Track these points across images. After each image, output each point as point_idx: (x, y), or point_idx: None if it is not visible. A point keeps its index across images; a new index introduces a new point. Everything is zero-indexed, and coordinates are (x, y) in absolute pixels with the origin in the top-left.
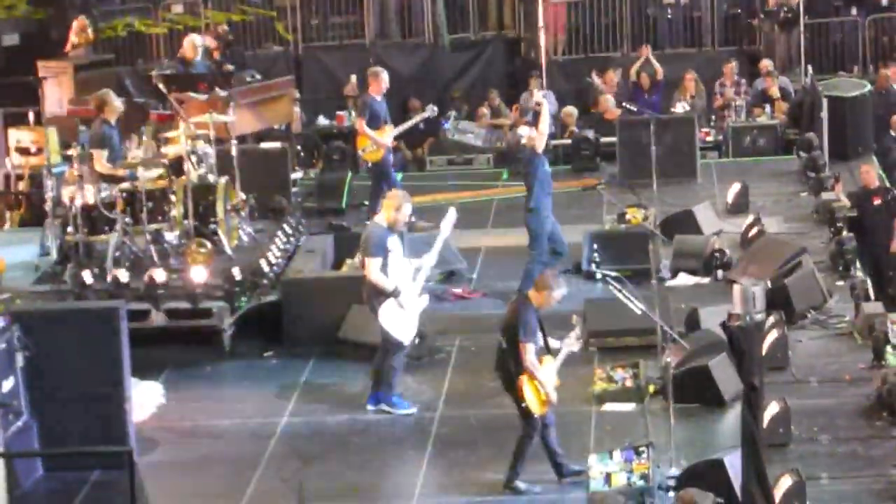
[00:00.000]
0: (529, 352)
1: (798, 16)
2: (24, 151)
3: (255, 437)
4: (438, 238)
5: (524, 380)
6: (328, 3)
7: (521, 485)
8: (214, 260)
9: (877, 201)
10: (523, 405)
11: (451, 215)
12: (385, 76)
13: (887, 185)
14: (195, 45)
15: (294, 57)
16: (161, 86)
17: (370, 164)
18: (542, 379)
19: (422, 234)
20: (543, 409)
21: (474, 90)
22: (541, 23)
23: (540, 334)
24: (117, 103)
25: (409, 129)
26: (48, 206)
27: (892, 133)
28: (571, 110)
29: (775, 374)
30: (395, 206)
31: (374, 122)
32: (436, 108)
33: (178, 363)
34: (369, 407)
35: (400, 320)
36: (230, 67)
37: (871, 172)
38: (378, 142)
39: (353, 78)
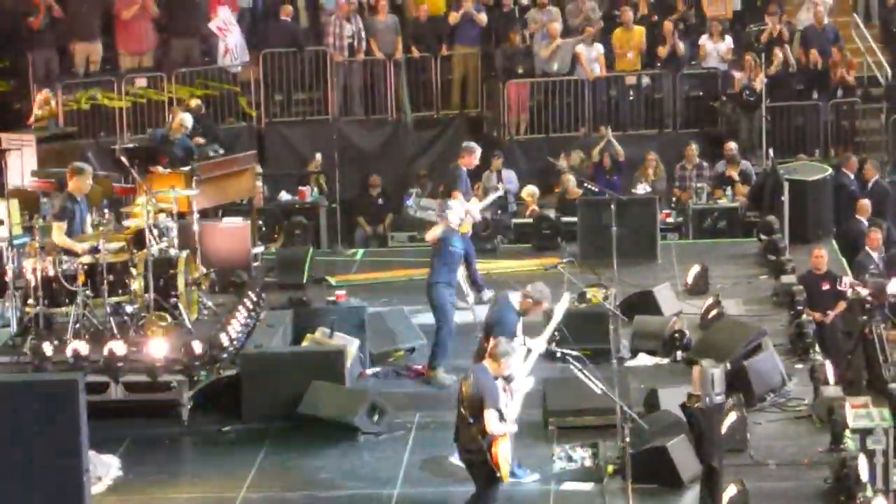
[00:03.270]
0: (495, 419)
1: (760, 99)
2: None
3: None
4: (551, 322)
5: (497, 447)
6: (291, 79)
7: None
8: (174, 333)
9: (825, 286)
10: (497, 475)
11: (566, 300)
12: (479, 152)
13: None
14: (183, 125)
15: (257, 132)
16: (124, 159)
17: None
18: (508, 445)
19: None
20: (507, 477)
21: (437, 167)
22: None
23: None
24: (86, 180)
25: (486, 206)
26: (9, 278)
27: (858, 217)
28: (533, 190)
29: (734, 456)
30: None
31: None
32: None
33: (137, 436)
34: None
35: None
36: (201, 140)
37: (822, 258)
38: (473, 214)
39: (318, 156)
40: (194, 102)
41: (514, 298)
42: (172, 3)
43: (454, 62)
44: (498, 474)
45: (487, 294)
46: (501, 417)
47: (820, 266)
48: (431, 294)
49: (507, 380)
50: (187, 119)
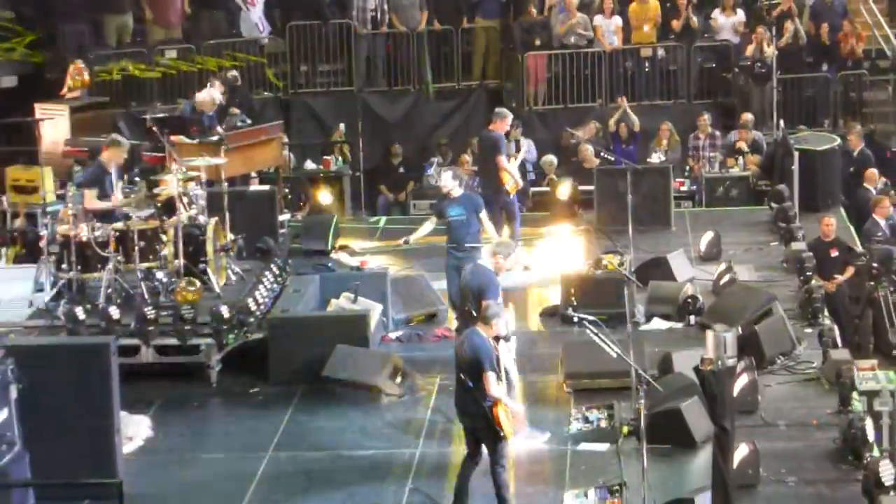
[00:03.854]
0: (494, 381)
1: (771, 71)
2: (20, 190)
3: (240, 470)
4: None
5: (498, 408)
6: (317, 50)
7: None
8: (203, 298)
9: (833, 253)
10: (502, 434)
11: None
12: (510, 118)
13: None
14: (214, 101)
15: (283, 102)
16: (154, 129)
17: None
18: (510, 405)
19: None
20: (512, 434)
21: (457, 137)
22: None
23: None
24: (122, 153)
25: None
26: (43, 244)
27: (865, 186)
28: (551, 159)
29: (745, 418)
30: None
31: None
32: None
33: (167, 398)
34: None
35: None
36: (236, 111)
37: (830, 225)
38: (516, 178)
39: (342, 126)
40: (231, 73)
41: (489, 261)
42: None
43: (475, 35)
44: (502, 433)
45: None
46: (499, 378)
47: (828, 233)
48: None
49: (499, 339)
50: (217, 96)
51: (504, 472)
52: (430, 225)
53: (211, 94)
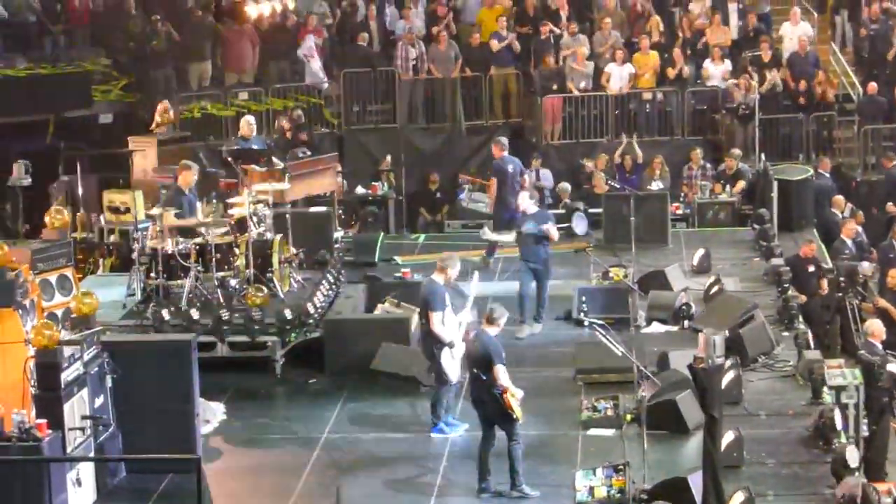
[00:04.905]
0: (503, 372)
1: (754, 112)
2: (115, 210)
3: (301, 448)
4: (469, 298)
5: (507, 395)
6: (367, 93)
7: (526, 488)
8: (270, 303)
9: (810, 268)
10: (514, 416)
11: (475, 279)
12: (505, 142)
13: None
14: (249, 123)
15: (338, 137)
16: (229, 159)
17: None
18: (515, 391)
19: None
20: (521, 416)
21: (484, 167)
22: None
23: None
24: (192, 175)
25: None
26: (134, 256)
27: (833, 210)
28: (565, 186)
29: (731, 408)
30: (451, 266)
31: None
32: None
33: (238, 387)
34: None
35: (451, 365)
36: (305, 138)
37: (812, 248)
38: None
39: (388, 157)
40: (296, 112)
41: (438, 277)
42: (271, 32)
43: (498, 80)
44: (514, 415)
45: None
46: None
47: (809, 254)
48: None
49: (450, 346)
50: (250, 119)
51: (518, 447)
52: (511, 235)
53: (245, 121)
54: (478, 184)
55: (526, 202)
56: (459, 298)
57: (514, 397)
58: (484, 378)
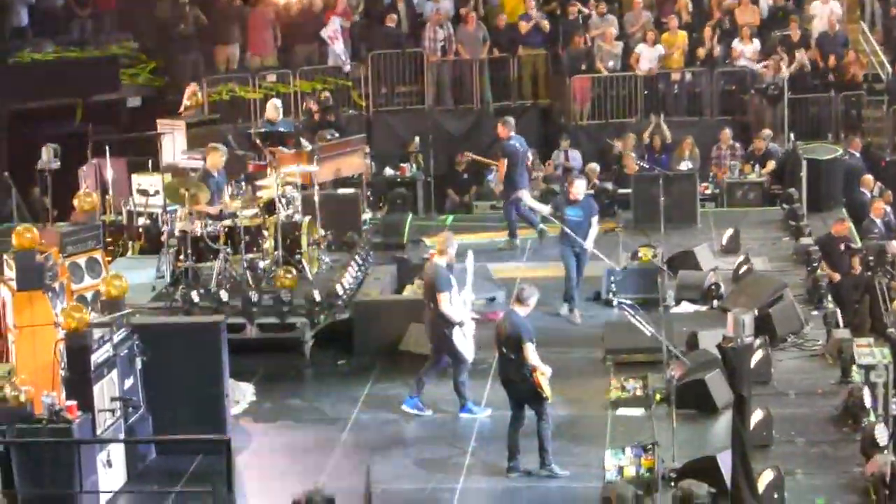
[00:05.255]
0: (533, 350)
1: (783, 92)
2: (144, 193)
3: (330, 428)
4: (468, 276)
5: (537, 373)
6: (394, 75)
7: (555, 468)
8: (299, 284)
9: (840, 246)
10: (543, 395)
11: (471, 257)
12: (512, 122)
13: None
14: (276, 107)
15: (366, 119)
16: (258, 141)
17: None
18: (544, 369)
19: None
20: (550, 395)
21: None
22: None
23: None
24: (220, 157)
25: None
26: (164, 238)
27: (862, 190)
28: (594, 166)
29: (760, 387)
30: (451, 247)
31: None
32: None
33: (268, 368)
34: (406, 408)
35: (465, 344)
36: (333, 119)
37: (844, 225)
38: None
39: (417, 139)
40: (324, 94)
41: (441, 259)
42: (298, 15)
43: (526, 61)
44: (543, 394)
45: None
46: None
47: (842, 232)
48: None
49: (461, 325)
50: (277, 102)
51: (547, 427)
52: (547, 209)
53: (271, 104)
54: (481, 163)
55: (581, 189)
56: (461, 277)
57: (544, 376)
58: (513, 357)
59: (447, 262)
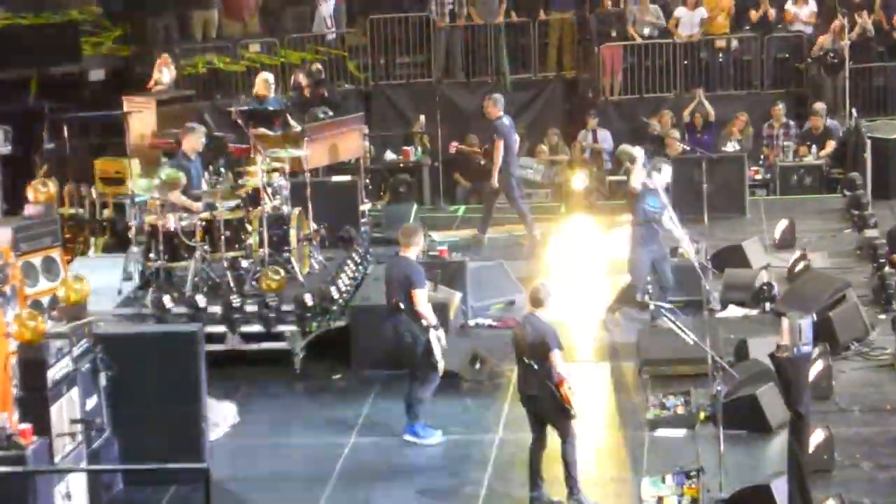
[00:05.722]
0: (560, 358)
1: (843, 61)
2: (108, 181)
3: (324, 456)
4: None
5: (564, 386)
6: (397, 43)
7: (584, 498)
8: (287, 286)
9: None
10: (571, 413)
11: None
12: (502, 101)
13: None
14: (267, 82)
15: (364, 94)
16: (240, 121)
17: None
18: (571, 382)
19: None
20: (576, 412)
21: (534, 128)
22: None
23: None
24: (199, 139)
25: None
26: (131, 234)
27: None
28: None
29: (820, 403)
30: (421, 238)
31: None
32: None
33: (252, 383)
34: (407, 438)
35: (440, 351)
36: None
37: None
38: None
39: (422, 117)
40: (315, 66)
41: (410, 252)
42: None
43: (550, 26)
44: (571, 411)
45: None
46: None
47: None
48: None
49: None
50: (268, 77)
51: (573, 450)
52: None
53: (262, 79)
54: (478, 155)
55: (667, 177)
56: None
57: (571, 390)
58: (537, 368)
59: (416, 256)
